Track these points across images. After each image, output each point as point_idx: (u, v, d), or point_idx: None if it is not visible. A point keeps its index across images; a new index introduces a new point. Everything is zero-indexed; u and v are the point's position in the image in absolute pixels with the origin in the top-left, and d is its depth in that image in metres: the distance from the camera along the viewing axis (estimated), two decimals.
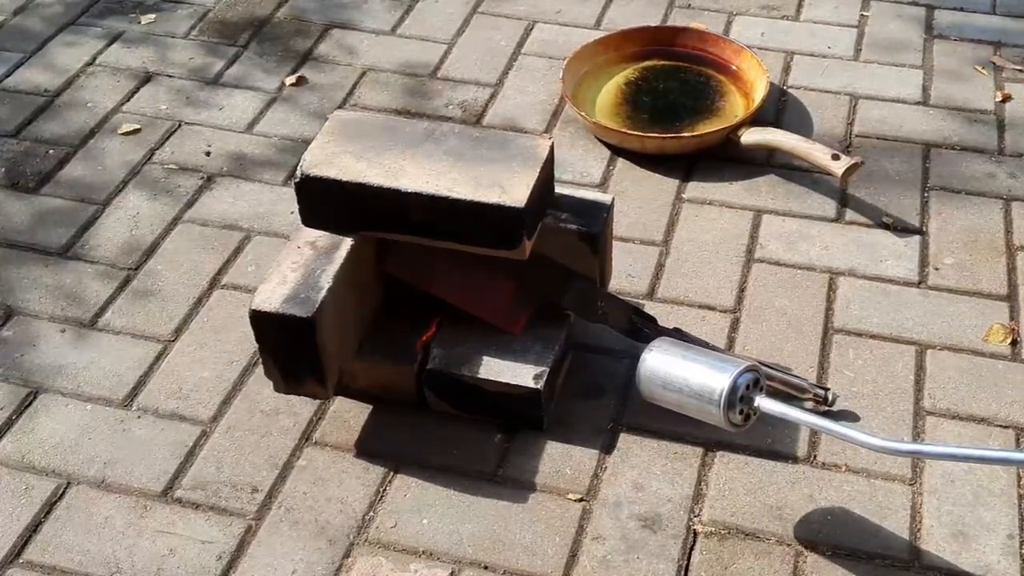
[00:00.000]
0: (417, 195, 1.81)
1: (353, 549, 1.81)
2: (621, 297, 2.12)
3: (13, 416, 2.03)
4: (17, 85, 2.81)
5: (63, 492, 1.90)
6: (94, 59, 2.89)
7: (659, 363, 1.80)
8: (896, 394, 2.00)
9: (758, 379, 1.75)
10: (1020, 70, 2.75)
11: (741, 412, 1.73)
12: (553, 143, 1.90)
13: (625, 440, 1.95)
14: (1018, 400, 1.99)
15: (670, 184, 2.46)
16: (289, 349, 1.82)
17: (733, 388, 1.71)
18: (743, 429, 1.77)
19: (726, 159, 2.51)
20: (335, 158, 1.87)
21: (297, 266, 1.83)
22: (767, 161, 2.51)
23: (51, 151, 2.61)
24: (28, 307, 2.23)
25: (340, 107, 2.70)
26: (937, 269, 2.24)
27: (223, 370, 2.09)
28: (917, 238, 2.31)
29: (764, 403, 1.74)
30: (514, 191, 1.80)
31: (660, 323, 2.02)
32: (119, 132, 2.65)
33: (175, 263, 2.31)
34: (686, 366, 1.78)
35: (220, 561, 1.80)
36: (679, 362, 1.79)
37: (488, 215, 1.79)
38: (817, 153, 2.38)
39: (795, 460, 1.91)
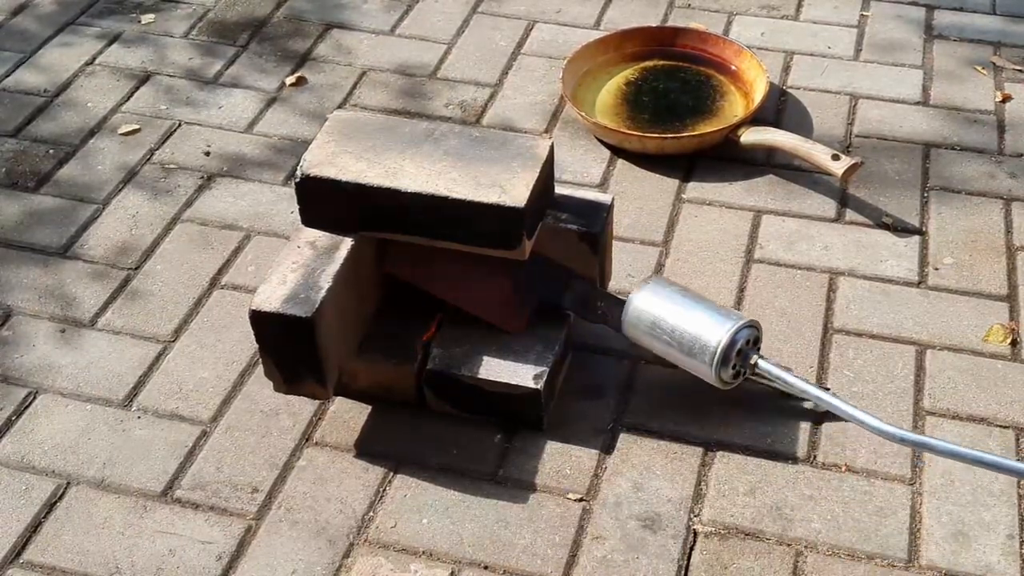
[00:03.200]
0: (417, 195, 1.81)
1: (353, 549, 1.81)
2: (621, 297, 2.12)
3: (13, 416, 2.03)
4: (16, 85, 2.81)
5: (63, 492, 1.90)
6: (93, 59, 2.88)
7: (649, 305, 1.68)
8: (896, 394, 2.00)
9: (758, 337, 1.64)
10: (1020, 70, 2.75)
11: (734, 367, 1.63)
12: (553, 143, 1.90)
13: (625, 440, 1.95)
14: (1018, 400, 1.99)
15: (670, 184, 2.46)
16: (289, 349, 1.82)
17: (731, 343, 1.60)
18: (731, 387, 1.67)
19: (726, 159, 2.51)
20: (335, 158, 1.87)
21: (297, 266, 1.83)
22: (767, 161, 2.51)
23: (50, 151, 2.61)
24: (27, 307, 2.23)
25: (339, 107, 2.70)
26: (937, 269, 2.24)
27: (223, 370, 2.09)
28: (917, 238, 2.31)
29: (763, 364, 1.64)
30: (514, 191, 1.80)
31: None
32: (118, 132, 2.65)
33: (174, 263, 2.31)
34: (679, 313, 1.65)
35: (220, 561, 1.79)
36: (670, 307, 1.66)
37: (488, 215, 1.79)
38: (817, 153, 2.38)
39: (795, 460, 1.90)
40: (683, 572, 1.76)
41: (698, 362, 1.60)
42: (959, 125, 2.60)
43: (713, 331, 1.60)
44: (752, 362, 1.61)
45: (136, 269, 2.30)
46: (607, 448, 1.94)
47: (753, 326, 1.62)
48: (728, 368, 1.61)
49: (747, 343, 1.61)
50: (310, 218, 1.90)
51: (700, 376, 1.64)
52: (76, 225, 2.41)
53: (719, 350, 1.58)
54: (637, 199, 2.42)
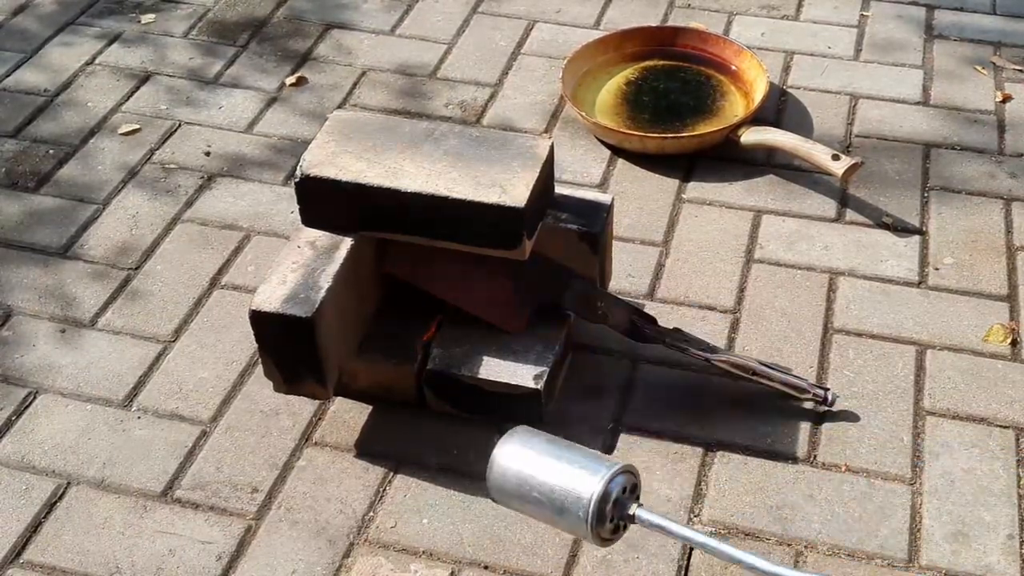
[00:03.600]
0: (417, 195, 1.81)
1: (353, 549, 1.81)
2: (621, 297, 2.12)
3: (13, 416, 2.03)
4: (16, 85, 2.81)
5: (63, 492, 1.90)
6: (93, 59, 2.88)
7: (513, 460, 1.46)
8: (896, 394, 2.00)
9: (636, 484, 1.42)
10: (1020, 70, 2.75)
11: (611, 520, 1.39)
12: (553, 143, 1.90)
13: (625, 440, 1.95)
14: (1018, 400, 1.99)
15: (670, 184, 2.46)
16: (289, 349, 1.82)
17: (604, 496, 1.36)
18: (613, 543, 1.42)
19: (726, 159, 2.51)
20: (335, 158, 1.87)
21: (297, 266, 1.83)
22: (767, 161, 2.51)
23: (50, 151, 2.61)
24: (27, 307, 2.23)
25: (339, 107, 2.70)
26: (937, 269, 2.24)
27: (223, 370, 2.09)
28: (917, 238, 2.31)
29: (642, 514, 1.40)
30: (514, 191, 1.80)
31: (660, 323, 2.02)
32: (118, 132, 2.65)
33: (175, 263, 2.31)
34: (547, 465, 1.43)
35: (220, 561, 1.79)
36: (538, 460, 1.44)
37: (488, 215, 1.79)
38: (817, 153, 2.38)
39: (795, 460, 1.90)
40: (683, 572, 1.76)
41: (572, 518, 1.38)
42: (959, 125, 2.59)
43: (585, 483, 1.38)
44: (630, 513, 1.39)
45: (136, 269, 2.30)
46: (607, 448, 1.93)
47: (629, 471, 1.39)
48: (606, 523, 1.37)
49: (624, 491, 1.39)
50: (310, 218, 1.90)
51: (577, 535, 1.40)
52: (76, 225, 2.41)
53: (593, 503, 1.36)
54: (637, 199, 2.42)
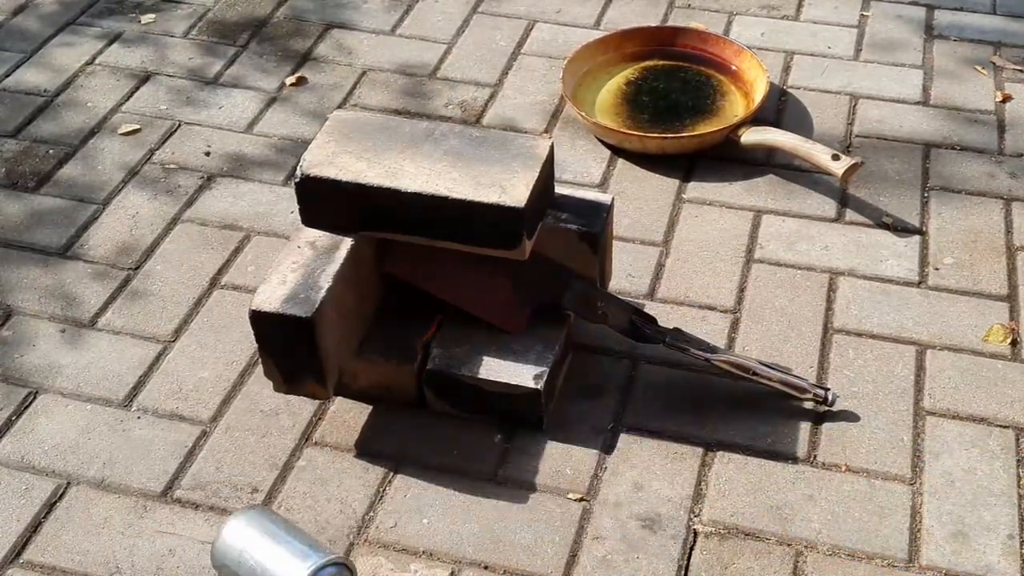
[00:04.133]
0: (417, 195, 1.81)
1: (353, 549, 1.81)
2: (621, 297, 2.12)
3: (13, 416, 2.03)
4: (16, 85, 2.81)
5: (63, 492, 1.90)
6: (93, 59, 2.88)
7: (236, 537, 1.59)
8: (896, 394, 2.00)
9: None
10: (1020, 70, 2.75)
11: None
12: (553, 143, 1.90)
13: (625, 440, 1.95)
14: (1018, 400, 1.99)
15: (670, 184, 2.46)
16: (289, 349, 1.82)
17: None
18: None
19: (726, 159, 2.51)
20: (335, 158, 1.87)
21: (297, 266, 1.83)
22: (767, 161, 2.51)
23: (50, 151, 2.61)
24: (27, 307, 2.23)
25: (340, 107, 2.70)
26: (937, 269, 2.24)
27: (223, 370, 2.09)
28: (917, 238, 2.31)
29: None
30: (514, 191, 1.80)
31: (660, 323, 2.02)
32: (118, 132, 2.65)
33: (175, 263, 2.31)
34: (264, 545, 1.55)
35: None
36: (257, 537, 1.57)
37: (488, 215, 1.79)
38: (817, 153, 2.38)
39: (795, 460, 1.91)
40: (683, 572, 1.76)
41: None
42: (959, 125, 2.59)
43: (293, 568, 1.48)
44: None
45: (136, 269, 2.31)
46: (607, 448, 1.94)
47: (343, 564, 1.47)
48: None
49: None
50: (310, 218, 1.90)
51: None
52: (76, 225, 2.41)
53: None
54: (637, 199, 2.42)
